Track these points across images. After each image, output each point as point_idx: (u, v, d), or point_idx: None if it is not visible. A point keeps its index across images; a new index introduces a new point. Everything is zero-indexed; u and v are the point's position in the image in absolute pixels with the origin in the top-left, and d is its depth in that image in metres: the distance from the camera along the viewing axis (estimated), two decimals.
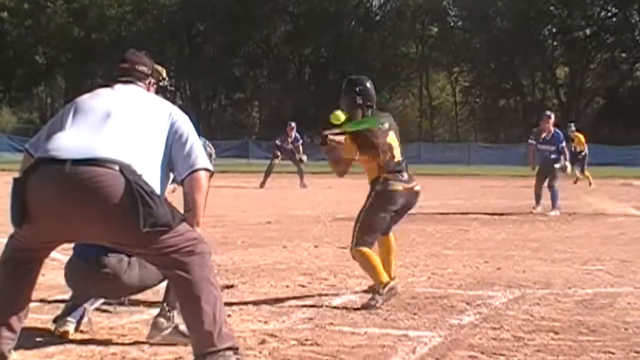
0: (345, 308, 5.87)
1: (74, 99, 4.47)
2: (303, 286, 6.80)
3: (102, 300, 5.27)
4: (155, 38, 69.13)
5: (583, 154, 25.02)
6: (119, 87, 4.53)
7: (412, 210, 6.50)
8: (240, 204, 16.57)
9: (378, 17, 75.44)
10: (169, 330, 4.74)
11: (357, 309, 5.83)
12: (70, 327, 4.93)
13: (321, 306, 5.94)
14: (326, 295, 6.37)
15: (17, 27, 73.97)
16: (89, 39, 73.87)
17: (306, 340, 4.87)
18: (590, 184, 24.20)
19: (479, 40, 68.76)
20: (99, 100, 4.37)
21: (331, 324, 5.34)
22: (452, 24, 74.09)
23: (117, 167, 3.93)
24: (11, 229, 4.14)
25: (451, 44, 70.13)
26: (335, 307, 5.91)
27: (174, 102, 4.91)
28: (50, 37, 72.95)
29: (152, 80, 4.83)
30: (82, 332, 5.01)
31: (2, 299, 4.16)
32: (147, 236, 3.91)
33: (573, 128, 26.18)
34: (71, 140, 4.09)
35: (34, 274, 4.25)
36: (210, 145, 17.79)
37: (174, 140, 4.32)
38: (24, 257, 4.17)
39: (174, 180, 4.55)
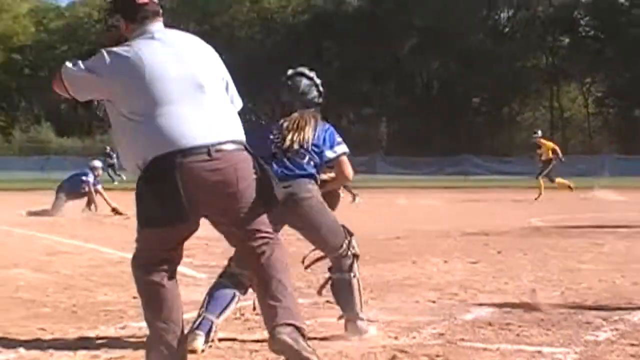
0: (477, 323, 5.78)
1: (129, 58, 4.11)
2: (433, 301, 6.73)
3: (229, 312, 5.29)
4: (284, 57, 70.09)
5: (551, 161, 24.25)
6: (162, 35, 4.29)
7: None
8: (368, 219, 16.56)
9: (507, 30, 74.56)
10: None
11: (490, 324, 5.73)
12: (199, 340, 4.92)
13: (452, 322, 5.86)
14: (457, 310, 6.29)
15: None
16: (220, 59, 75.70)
17: (437, 356, 4.81)
18: (539, 195, 23.34)
19: (612, 49, 67.05)
20: (174, 68, 4.13)
21: (462, 339, 5.26)
22: (583, 33, 72.58)
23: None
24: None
25: (583, 54, 68.64)
26: (466, 323, 5.82)
27: None
28: None
29: None
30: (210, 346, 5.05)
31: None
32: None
33: (539, 134, 25.61)
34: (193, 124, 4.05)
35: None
36: None
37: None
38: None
39: None
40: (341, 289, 5.47)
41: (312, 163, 5.40)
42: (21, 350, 4.95)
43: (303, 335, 4.12)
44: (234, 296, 5.21)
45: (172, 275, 4.35)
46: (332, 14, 71.22)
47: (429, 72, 72.03)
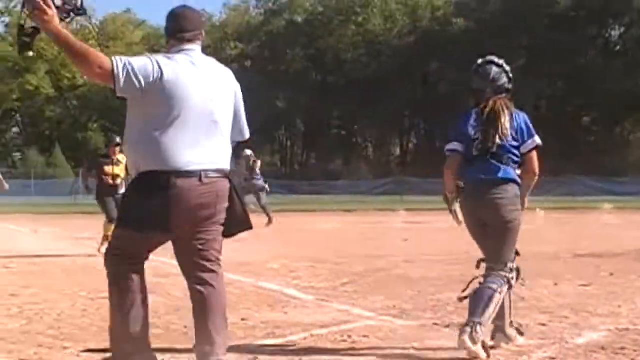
0: (589, 348, 5.64)
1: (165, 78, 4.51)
2: (543, 325, 6.60)
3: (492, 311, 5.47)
4: (389, 79, 70.12)
5: None
6: (198, 61, 4.70)
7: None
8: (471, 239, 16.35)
9: (618, 47, 72.93)
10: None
11: (603, 348, 5.58)
12: (467, 341, 5.26)
13: (563, 345, 5.74)
14: (568, 334, 6.15)
15: (259, 73, 77.44)
16: (325, 82, 76.15)
17: None
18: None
19: None
20: (198, 95, 4.57)
21: None
22: None
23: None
24: None
25: None
26: (578, 347, 5.69)
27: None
28: (289, 82, 75.74)
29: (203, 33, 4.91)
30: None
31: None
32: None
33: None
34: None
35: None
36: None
37: (235, 111, 4.86)
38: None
39: None
40: (480, 296, 5.56)
41: (511, 164, 5.66)
42: None
43: None
44: (492, 295, 5.50)
45: (139, 272, 4.72)
46: (438, 35, 70.91)
47: (538, 92, 70.99)
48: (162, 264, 11.28)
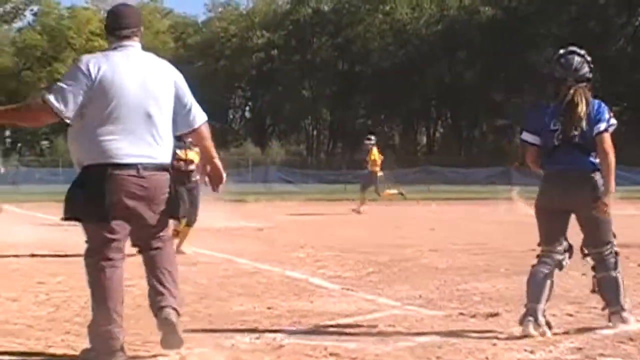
0: (617, 338, 5.60)
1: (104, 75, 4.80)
2: (571, 315, 6.56)
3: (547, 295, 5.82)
4: (416, 68, 69.89)
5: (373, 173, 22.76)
6: (134, 56, 4.98)
7: None
8: (502, 230, 16.29)
9: None
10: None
11: (631, 339, 5.54)
12: (530, 326, 5.66)
13: (591, 336, 5.70)
14: (596, 324, 6.11)
15: (285, 63, 77.45)
16: (352, 71, 76.05)
17: None
18: (359, 210, 22.00)
19: None
20: (131, 90, 4.82)
21: (601, 354, 5.12)
22: None
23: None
24: None
25: None
26: (605, 337, 5.65)
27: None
28: (316, 71, 75.67)
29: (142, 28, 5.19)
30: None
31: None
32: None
33: (373, 140, 23.74)
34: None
35: None
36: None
37: (175, 101, 5.02)
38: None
39: None
40: (608, 286, 5.98)
41: (592, 152, 5.85)
42: (161, 358, 5.07)
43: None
44: (545, 278, 5.91)
45: (114, 265, 4.90)
46: (465, 24, 70.57)
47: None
48: (190, 253, 11.35)
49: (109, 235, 4.84)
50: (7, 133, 77.01)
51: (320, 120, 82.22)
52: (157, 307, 5.01)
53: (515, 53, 64.04)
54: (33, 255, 11.29)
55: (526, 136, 6.12)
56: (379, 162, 23.11)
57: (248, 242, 13.61)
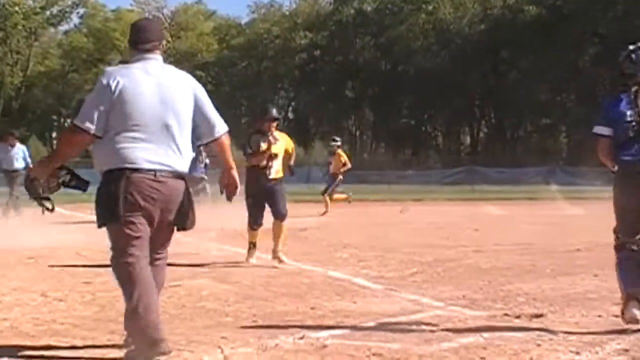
0: None
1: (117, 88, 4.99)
2: (617, 316, 6.48)
3: None
4: (460, 68, 69.56)
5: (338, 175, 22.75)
6: (154, 69, 5.12)
7: None
8: (547, 231, 16.17)
9: None
10: None
11: None
12: (634, 312, 5.79)
13: (638, 337, 5.64)
14: None
15: (328, 64, 77.50)
16: (395, 71, 75.87)
17: None
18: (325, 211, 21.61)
19: None
20: (150, 101, 5.00)
21: None
22: None
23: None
24: None
25: None
26: None
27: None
28: (358, 72, 75.60)
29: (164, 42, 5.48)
30: None
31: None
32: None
33: (338, 142, 24.27)
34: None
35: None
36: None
37: (196, 112, 5.15)
38: None
39: None
40: None
41: None
42: (205, 358, 5.11)
43: None
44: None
45: (140, 262, 5.01)
46: (509, 23, 70.03)
47: (613, 81, 69.61)
48: (234, 254, 11.42)
49: (130, 233, 4.96)
50: (54, 134, 77.98)
51: (363, 121, 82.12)
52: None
53: (560, 52, 63.43)
54: (79, 255, 11.42)
55: (601, 129, 6.14)
56: (349, 165, 23.57)
57: (292, 242, 13.62)
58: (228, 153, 5.36)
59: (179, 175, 5.08)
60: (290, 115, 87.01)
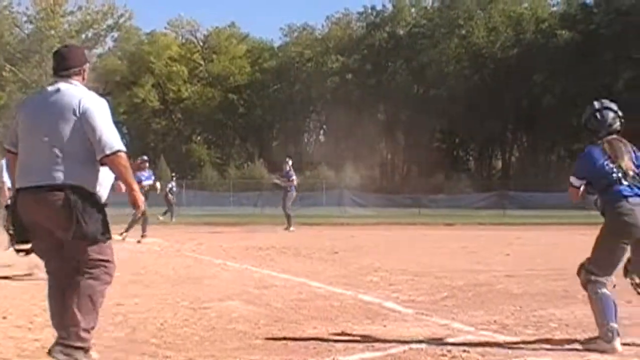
0: None
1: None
2: None
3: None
4: (492, 92, 69.40)
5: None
6: (50, 94, 5.52)
7: None
8: (581, 256, 16.02)
9: None
10: None
11: None
12: (617, 343, 6.08)
13: None
14: None
15: (360, 87, 77.67)
16: (427, 95, 75.83)
17: None
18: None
19: None
20: (36, 123, 5.44)
21: None
22: None
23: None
24: None
25: None
26: None
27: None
28: (391, 95, 75.64)
29: (86, 67, 5.71)
30: None
31: None
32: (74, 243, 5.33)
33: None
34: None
35: None
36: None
37: (87, 131, 5.35)
38: None
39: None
40: None
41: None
42: None
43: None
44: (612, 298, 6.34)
45: (54, 284, 5.57)
46: (542, 47, 69.81)
47: None
48: (265, 276, 11.44)
49: (36, 252, 5.71)
50: None
51: (395, 144, 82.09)
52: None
53: (593, 76, 63.08)
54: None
55: (574, 180, 6.87)
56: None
57: (323, 264, 13.63)
58: (121, 172, 5.49)
59: (59, 189, 5.29)
60: (322, 138, 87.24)
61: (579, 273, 6.64)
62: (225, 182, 67.71)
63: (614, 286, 6.47)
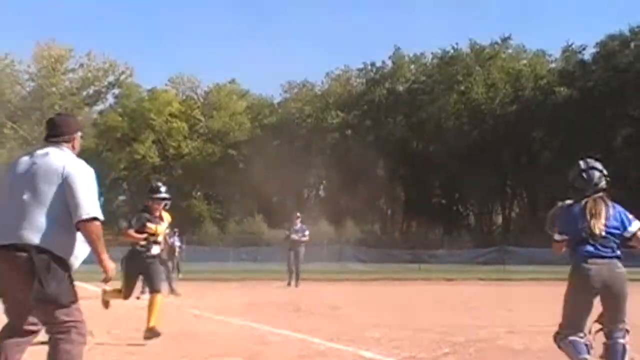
0: None
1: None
2: None
3: None
4: (491, 147, 69.65)
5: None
6: (37, 156, 5.70)
7: None
8: None
9: None
10: None
11: None
12: None
13: None
14: None
15: (360, 143, 77.95)
16: (427, 150, 76.08)
17: None
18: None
19: None
20: (17, 183, 5.58)
21: None
22: None
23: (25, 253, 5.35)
24: None
25: None
26: None
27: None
28: (390, 151, 75.87)
29: (77, 136, 5.98)
30: None
31: None
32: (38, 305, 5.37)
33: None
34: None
35: None
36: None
37: (66, 195, 5.47)
38: None
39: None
40: (617, 352, 6.88)
41: (615, 245, 6.87)
42: None
43: None
44: (624, 347, 6.96)
45: (13, 345, 5.56)
46: (540, 104, 70.20)
47: None
48: (265, 332, 11.39)
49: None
50: None
51: (395, 199, 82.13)
52: None
53: (591, 133, 63.36)
54: (108, 333, 11.43)
55: (555, 236, 7.29)
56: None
57: (323, 321, 13.58)
58: (93, 240, 5.54)
59: (23, 249, 5.36)
60: (322, 193, 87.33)
61: (554, 339, 6.97)
62: (225, 237, 67.64)
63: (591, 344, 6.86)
